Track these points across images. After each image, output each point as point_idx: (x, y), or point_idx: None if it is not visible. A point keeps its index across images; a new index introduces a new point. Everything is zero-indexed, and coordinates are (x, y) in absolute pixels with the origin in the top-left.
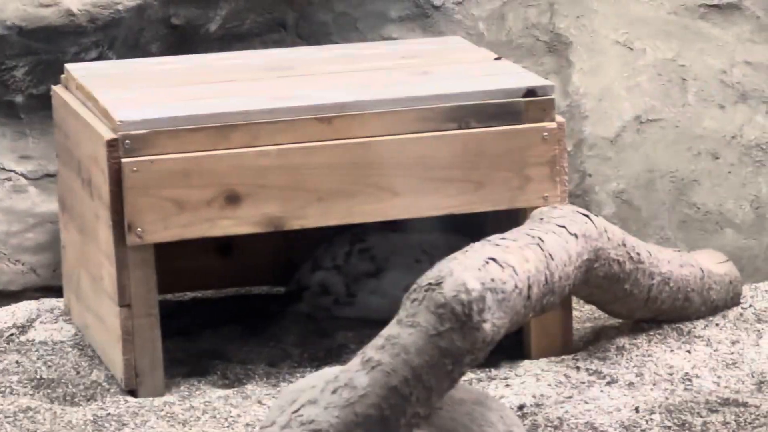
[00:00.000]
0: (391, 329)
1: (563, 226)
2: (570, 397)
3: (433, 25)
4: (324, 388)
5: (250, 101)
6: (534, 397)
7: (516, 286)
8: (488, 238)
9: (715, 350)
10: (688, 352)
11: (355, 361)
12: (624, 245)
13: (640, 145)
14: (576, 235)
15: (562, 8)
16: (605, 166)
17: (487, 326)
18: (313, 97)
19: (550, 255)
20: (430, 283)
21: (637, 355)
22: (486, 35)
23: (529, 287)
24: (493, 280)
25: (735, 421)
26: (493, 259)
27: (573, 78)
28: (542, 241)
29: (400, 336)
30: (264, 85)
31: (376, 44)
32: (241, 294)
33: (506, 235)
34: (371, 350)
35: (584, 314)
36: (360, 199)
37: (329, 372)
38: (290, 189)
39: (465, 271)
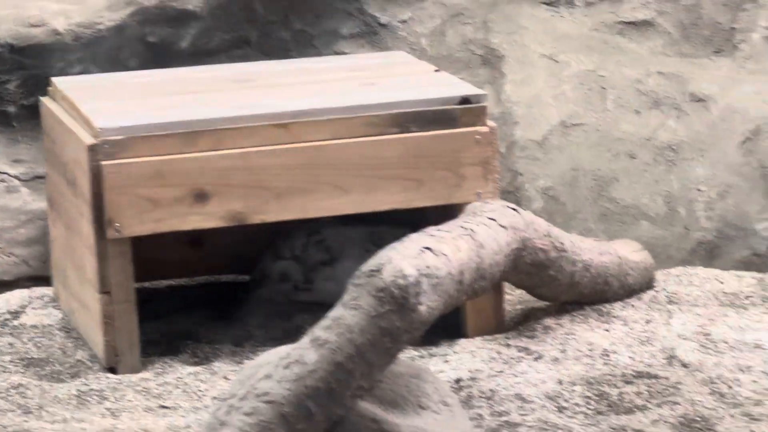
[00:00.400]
0: (337, 311)
1: (494, 219)
2: (501, 372)
3: (381, 41)
4: (278, 364)
5: (216, 110)
6: (469, 371)
7: (449, 273)
8: (425, 229)
9: (631, 329)
10: (607, 330)
11: (305, 340)
12: (549, 236)
13: (565, 147)
14: (505, 227)
15: (496, 26)
16: (534, 165)
17: (422, 308)
18: (272, 106)
19: (481, 244)
20: (371, 270)
21: (561, 334)
22: (428, 50)
23: (461, 273)
24: (428, 267)
25: (647, 391)
26: (429, 249)
27: (505, 88)
28: (474, 232)
29: (345, 317)
30: (228, 95)
31: (329, 58)
32: (211, 282)
33: (441, 227)
34: (319, 330)
35: (515, 297)
36: (314, 196)
37: (283, 350)
38: (252, 187)
39: (403, 259)
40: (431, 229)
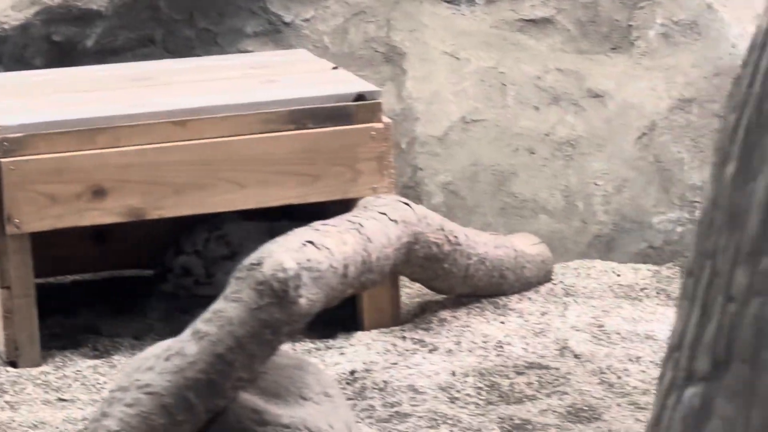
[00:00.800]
0: (218, 304)
1: (384, 213)
2: (395, 363)
3: (284, 39)
4: (160, 356)
5: (114, 107)
6: (364, 363)
7: (331, 266)
8: (312, 223)
9: (526, 321)
10: (502, 323)
11: (187, 333)
12: (442, 229)
13: (465, 143)
14: (396, 221)
15: (398, 23)
16: (434, 161)
17: (302, 301)
18: (169, 103)
19: (368, 238)
20: (252, 264)
21: (456, 326)
22: (330, 48)
23: (346, 267)
24: (309, 260)
25: (538, 381)
26: (311, 242)
27: (407, 84)
28: (362, 226)
29: (226, 310)
30: (127, 94)
31: (230, 56)
32: (115, 277)
33: (328, 221)
34: (200, 323)
35: (414, 291)
36: (211, 192)
37: (166, 342)
38: (149, 183)
39: (284, 252)
40: (317, 224)
